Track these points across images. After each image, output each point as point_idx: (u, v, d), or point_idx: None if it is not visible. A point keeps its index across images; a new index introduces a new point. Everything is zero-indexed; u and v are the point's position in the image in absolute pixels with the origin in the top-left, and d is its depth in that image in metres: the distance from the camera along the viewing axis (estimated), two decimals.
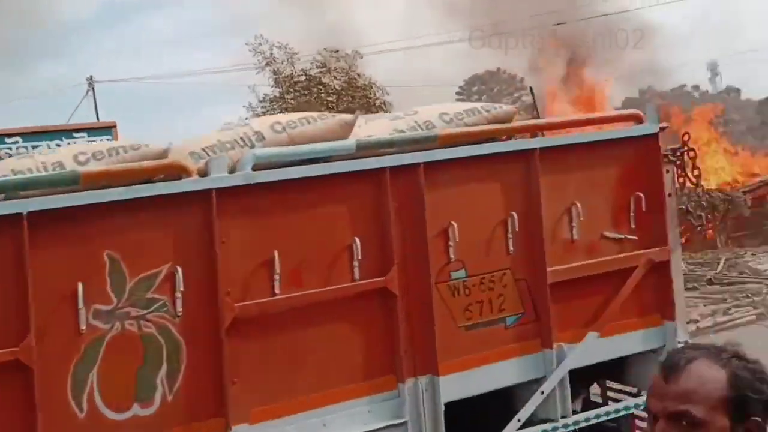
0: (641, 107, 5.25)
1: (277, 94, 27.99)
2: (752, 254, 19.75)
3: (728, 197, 26.39)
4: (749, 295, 13.43)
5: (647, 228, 4.79)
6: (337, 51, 27.68)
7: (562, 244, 4.61)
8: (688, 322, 11.43)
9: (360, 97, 27.31)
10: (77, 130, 15.99)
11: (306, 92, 27.51)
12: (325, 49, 27.74)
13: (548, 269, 4.47)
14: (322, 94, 27.51)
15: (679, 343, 4.58)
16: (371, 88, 27.83)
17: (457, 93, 71.75)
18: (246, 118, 28.52)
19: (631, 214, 4.73)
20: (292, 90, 27.69)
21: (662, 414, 1.59)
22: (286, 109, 27.27)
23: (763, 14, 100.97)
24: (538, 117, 15.38)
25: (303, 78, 27.75)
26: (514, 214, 4.39)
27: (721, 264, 17.62)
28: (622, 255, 4.74)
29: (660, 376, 1.63)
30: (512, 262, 4.45)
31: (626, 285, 4.68)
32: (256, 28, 66.95)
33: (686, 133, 6.06)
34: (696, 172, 4.88)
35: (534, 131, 5.05)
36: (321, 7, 39.49)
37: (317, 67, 27.70)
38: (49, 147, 15.64)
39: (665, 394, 1.59)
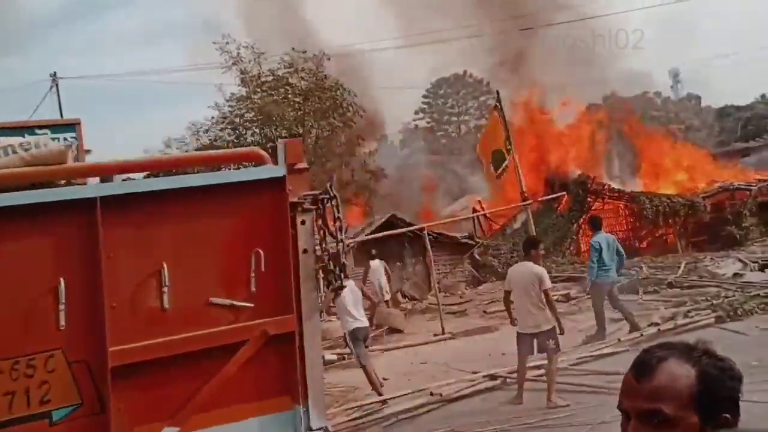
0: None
1: (244, 94, 27.82)
2: (711, 258, 20.13)
3: (688, 202, 26.95)
4: (708, 298, 13.67)
5: (269, 292, 3.89)
6: (305, 51, 27.60)
7: (145, 316, 3.70)
8: (649, 325, 11.69)
9: (327, 98, 27.28)
10: (40, 127, 15.69)
11: (273, 92, 27.39)
12: (293, 49, 27.65)
13: (110, 349, 3.54)
14: (290, 95, 27.41)
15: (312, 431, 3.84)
16: (339, 89, 27.80)
17: (424, 96, 72.10)
18: (212, 117, 28.36)
19: (252, 275, 3.83)
20: (259, 90, 27.54)
21: (634, 412, 1.62)
22: (252, 109, 27.16)
23: (724, 23, 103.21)
24: (505, 122, 15.60)
25: (270, 78, 27.63)
26: (62, 280, 3.47)
27: (681, 268, 17.95)
28: (226, 327, 3.82)
29: (631, 375, 1.66)
30: (66, 340, 3.51)
31: (229, 365, 3.78)
32: (224, 26, 66.11)
33: (331, 177, 5.85)
34: (338, 223, 4.04)
35: (93, 174, 4.24)
36: (291, 7, 39.27)
37: (285, 67, 27.60)
38: (10, 144, 15.28)
39: (637, 393, 1.62)
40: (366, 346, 9.77)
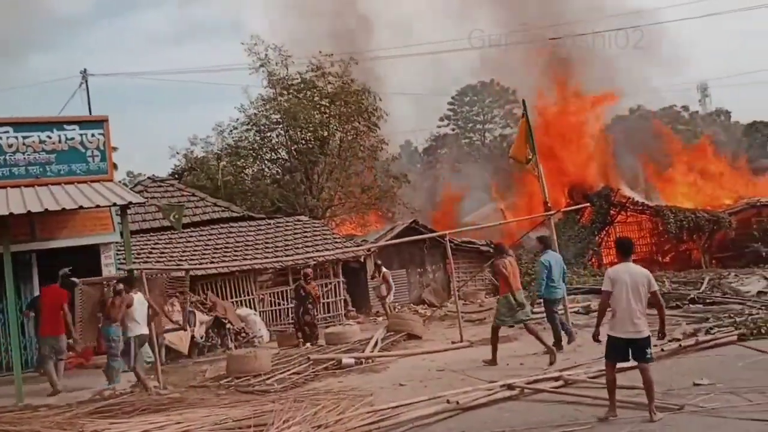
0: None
1: (271, 95, 27.99)
2: (735, 275, 19.87)
3: (713, 218, 26.64)
4: (731, 315, 13.51)
5: None
6: (332, 55, 27.72)
7: None
8: (670, 341, 11.57)
9: (353, 102, 27.36)
10: (69, 123, 15.88)
11: (299, 95, 27.54)
12: (320, 52, 27.80)
13: None
14: (316, 98, 27.54)
15: None
16: (364, 93, 27.87)
17: (449, 103, 71.99)
18: (237, 119, 28.54)
19: None
20: (285, 92, 27.70)
21: None
22: (278, 111, 27.32)
23: (753, 38, 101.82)
24: (530, 130, 15.53)
25: (297, 80, 27.78)
26: None
27: (705, 283, 17.73)
28: None
29: None
30: None
31: None
32: (253, 28, 66.68)
33: None
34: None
35: None
36: (319, 9, 39.57)
37: (312, 70, 27.74)
38: (39, 138, 15.44)
39: None
40: None
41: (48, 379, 11.76)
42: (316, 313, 16.29)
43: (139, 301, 11.41)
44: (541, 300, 13.08)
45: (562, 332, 12.56)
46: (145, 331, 11.50)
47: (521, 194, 30.88)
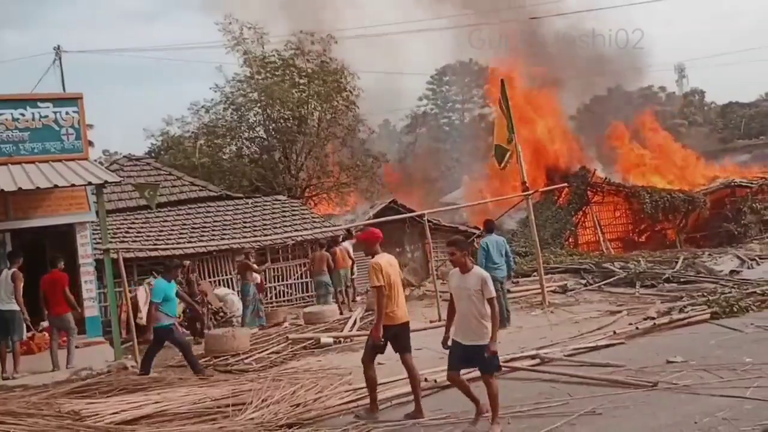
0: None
1: (248, 74, 27.68)
2: (709, 255, 20.16)
3: (688, 198, 26.94)
4: (705, 294, 13.72)
5: None
6: (312, 34, 27.43)
7: None
8: (645, 319, 11.75)
9: (331, 81, 27.15)
10: (43, 100, 15.63)
11: (277, 72, 27.26)
12: (301, 31, 27.49)
13: None
14: (294, 77, 27.28)
15: None
16: (343, 72, 27.66)
17: (428, 82, 71.74)
18: (211, 99, 28.22)
19: None
20: (262, 70, 27.40)
21: None
22: (256, 89, 27.04)
23: (728, 21, 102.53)
24: (509, 111, 15.56)
25: (274, 58, 27.47)
26: None
27: (680, 263, 17.97)
28: None
29: None
30: None
31: None
32: (228, 6, 65.80)
33: None
34: None
35: None
36: None
37: (291, 48, 27.45)
38: (12, 116, 15.19)
39: None
40: None
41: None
42: (203, 309, 15.48)
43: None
44: None
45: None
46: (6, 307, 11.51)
47: (500, 174, 31.05)
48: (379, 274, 7.62)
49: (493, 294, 6.83)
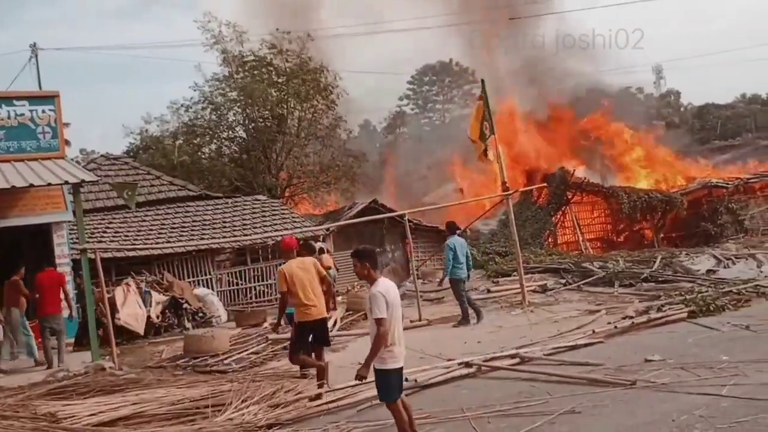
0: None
1: (226, 74, 27.55)
2: (686, 254, 20.34)
3: (666, 198, 27.19)
4: (682, 293, 13.84)
5: None
6: (289, 32, 27.35)
7: None
8: (623, 318, 11.84)
9: (311, 80, 27.07)
10: (18, 98, 15.41)
11: (255, 72, 27.14)
12: (277, 29, 27.40)
13: None
14: (273, 76, 27.18)
15: None
16: (322, 71, 27.60)
17: (409, 82, 71.75)
18: (191, 98, 28.02)
19: None
20: (241, 69, 27.28)
21: None
22: (235, 89, 26.91)
23: (707, 23, 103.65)
24: (489, 111, 15.60)
25: (252, 58, 27.34)
26: None
27: (657, 262, 18.12)
28: None
29: None
30: None
31: None
32: (207, 4, 65.41)
33: None
34: None
35: None
36: None
37: (268, 48, 27.33)
38: None
39: None
40: None
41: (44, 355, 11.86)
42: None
43: None
44: (449, 279, 13.84)
45: (472, 310, 13.49)
46: None
47: (480, 174, 31.17)
48: (282, 282, 8.71)
49: (378, 315, 5.89)
